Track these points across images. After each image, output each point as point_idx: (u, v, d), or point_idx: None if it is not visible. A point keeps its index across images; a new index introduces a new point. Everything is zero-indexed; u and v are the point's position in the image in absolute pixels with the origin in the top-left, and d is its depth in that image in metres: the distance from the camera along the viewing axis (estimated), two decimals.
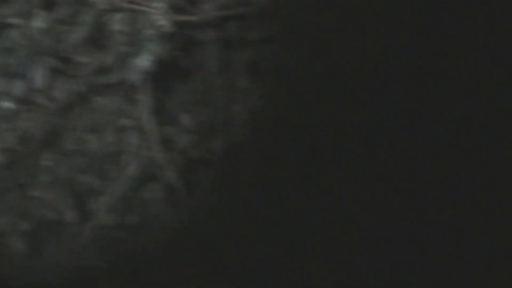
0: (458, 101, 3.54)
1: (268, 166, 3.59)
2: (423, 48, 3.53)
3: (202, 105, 3.55)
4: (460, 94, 3.55)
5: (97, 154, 3.46)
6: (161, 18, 3.11)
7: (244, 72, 3.59)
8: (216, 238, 3.47)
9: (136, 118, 3.46)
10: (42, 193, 3.45)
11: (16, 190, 3.45)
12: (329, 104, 3.60)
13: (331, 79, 3.60)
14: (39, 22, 3.27)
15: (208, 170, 3.54)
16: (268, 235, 3.44)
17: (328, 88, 3.60)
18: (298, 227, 3.46)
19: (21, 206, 3.44)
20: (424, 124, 3.55)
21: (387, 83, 3.56)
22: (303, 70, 3.60)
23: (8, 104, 3.34)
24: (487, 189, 3.53)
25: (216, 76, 3.55)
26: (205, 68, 3.55)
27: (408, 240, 3.49)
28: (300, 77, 3.62)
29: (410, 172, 3.55)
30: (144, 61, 3.13)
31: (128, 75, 3.15)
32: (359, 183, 3.54)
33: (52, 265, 3.49)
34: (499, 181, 3.53)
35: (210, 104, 3.55)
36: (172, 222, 3.46)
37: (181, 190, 3.37)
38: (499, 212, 3.51)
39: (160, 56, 3.15)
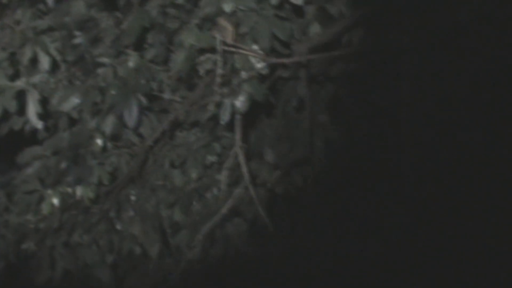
0: None
1: (348, 198, 3.66)
2: None
3: (285, 140, 3.61)
4: None
5: (182, 190, 3.52)
6: (259, 61, 3.16)
7: (326, 107, 3.66)
8: (299, 272, 3.55)
9: (222, 155, 3.52)
10: (128, 227, 3.52)
11: (103, 224, 3.52)
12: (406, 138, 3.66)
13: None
14: (130, 62, 3.31)
15: (291, 205, 3.61)
16: (356, 267, 3.52)
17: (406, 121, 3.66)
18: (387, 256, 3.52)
19: (108, 239, 3.51)
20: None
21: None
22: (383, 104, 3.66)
23: (99, 141, 3.40)
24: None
25: (299, 112, 3.61)
26: (289, 104, 3.61)
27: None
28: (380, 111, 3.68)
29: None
30: (240, 102, 3.19)
31: (222, 114, 3.20)
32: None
33: None
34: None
35: (293, 139, 3.61)
36: (257, 257, 3.54)
37: (267, 225, 3.44)
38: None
39: (254, 97, 3.20)
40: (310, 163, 3.60)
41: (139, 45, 3.34)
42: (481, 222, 3.58)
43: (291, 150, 3.61)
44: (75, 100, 3.35)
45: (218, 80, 3.19)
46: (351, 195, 3.63)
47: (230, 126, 3.40)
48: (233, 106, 3.20)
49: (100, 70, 3.34)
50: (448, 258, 3.59)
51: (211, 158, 3.54)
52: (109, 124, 3.36)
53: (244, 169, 3.35)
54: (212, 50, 3.20)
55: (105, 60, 3.34)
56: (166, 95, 3.42)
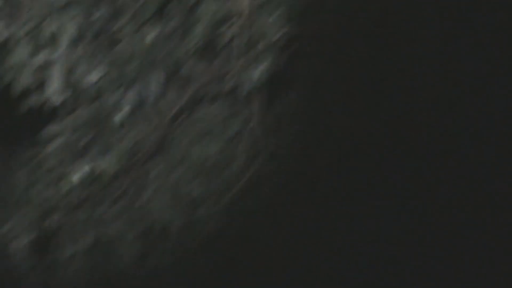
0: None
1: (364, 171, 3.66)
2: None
3: (303, 115, 3.63)
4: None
5: (202, 165, 3.54)
6: (277, 31, 3.18)
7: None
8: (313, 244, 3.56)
9: (241, 129, 3.53)
10: (148, 203, 3.54)
11: (124, 200, 3.53)
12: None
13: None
14: (150, 35, 3.34)
15: (309, 180, 3.62)
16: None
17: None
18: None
19: (129, 215, 3.53)
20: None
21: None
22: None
23: (119, 116, 3.41)
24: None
25: (315, 87, 3.62)
26: (307, 78, 3.62)
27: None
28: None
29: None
30: (259, 72, 3.20)
31: (241, 85, 3.22)
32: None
33: (158, 271, 3.58)
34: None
35: (311, 114, 3.62)
36: (273, 231, 3.55)
37: (284, 199, 3.46)
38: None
39: (273, 68, 3.22)
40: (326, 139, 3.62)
41: (158, 19, 3.36)
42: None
43: (308, 127, 3.63)
44: (95, 76, 3.37)
45: (236, 51, 3.21)
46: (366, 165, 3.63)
47: (249, 100, 3.41)
48: (251, 77, 3.23)
49: (120, 45, 3.36)
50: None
51: (231, 133, 3.55)
52: (129, 99, 3.38)
53: (262, 143, 3.37)
54: (231, 21, 3.22)
55: (125, 34, 3.36)
56: (186, 69, 3.44)
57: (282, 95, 3.68)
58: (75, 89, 3.44)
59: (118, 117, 3.43)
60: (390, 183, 3.68)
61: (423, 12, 3.51)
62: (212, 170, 3.57)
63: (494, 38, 3.53)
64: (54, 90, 3.30)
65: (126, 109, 3.37)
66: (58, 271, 3.59)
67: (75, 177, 3.47)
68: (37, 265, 3.62)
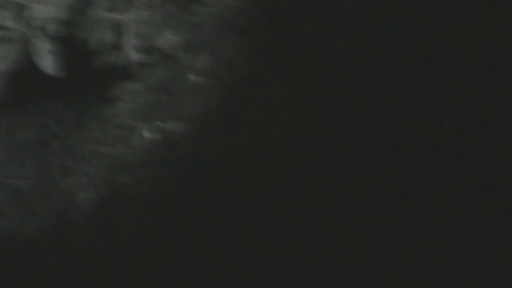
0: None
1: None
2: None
3: None
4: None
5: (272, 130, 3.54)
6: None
7: None
8: None
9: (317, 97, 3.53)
10: (214, 164, 3.57)
11: (190, 160, 3.57)
12: None
13: None
14: None
15: None
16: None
17: None
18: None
19: (192, 175, 3.56)
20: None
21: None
22: None
23: (193, 77, 3.43)
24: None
25: None
26: None
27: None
28: None
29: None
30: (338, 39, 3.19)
31: (316, 53, 3.21)
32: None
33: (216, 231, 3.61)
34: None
35: None
36: None
37: None
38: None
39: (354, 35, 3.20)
40: None
41: None
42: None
43: None
44: (169, 36, 3.39)
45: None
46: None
47: None
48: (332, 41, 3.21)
49: (194, 6, 3.37)
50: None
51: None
52: (202, 60, 3.40)
53: None
54: None
55: None
56: (260, 32, 3.43)
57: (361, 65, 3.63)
58: (148, 48, 3.47)
59: (191, 77, 3.45)
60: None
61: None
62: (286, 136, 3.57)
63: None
64: (129, 46, 3.34)
65: (199, 69, 3.39)
66: (120, 228, 3.66)
67: (146, 134, 3.52)
68: (101, 220, 3.70)
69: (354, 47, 3.33)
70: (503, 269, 3.40)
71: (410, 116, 3.53)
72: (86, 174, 3.53)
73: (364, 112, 3.52)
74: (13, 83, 3.91)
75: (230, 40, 3.29)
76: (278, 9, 3.32)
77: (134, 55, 3.31)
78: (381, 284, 3.41)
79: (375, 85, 3.50)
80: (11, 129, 4.18)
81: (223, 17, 3.32)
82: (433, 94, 3.52)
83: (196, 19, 3.34)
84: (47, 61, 3.04)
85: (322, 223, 3.46)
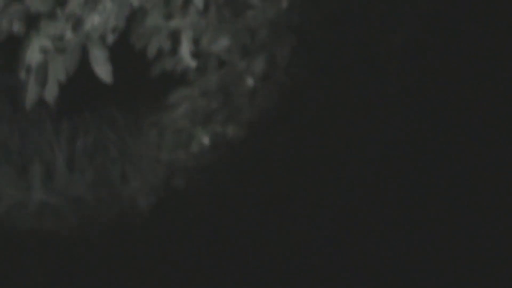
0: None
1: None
2: None
3: None
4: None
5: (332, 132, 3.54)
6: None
7: None
8: None
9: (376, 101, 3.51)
10: (274, 167, 3.58)
11: (250, 163, 3.58)
12: None
13: None
14: (280, 2, 3.34)
15: None
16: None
17: None
18: None
19: (254, 179, 3.57)
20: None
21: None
22: None
23: (250, 81, 3.45)
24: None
25: None
26: None
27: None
28: None
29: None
30: (397, 41, 3.18)
31: (375, 55, 3.20)
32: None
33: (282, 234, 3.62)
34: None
35: None
36: None
37: None
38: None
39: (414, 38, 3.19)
40: None
41: None
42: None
43: None
44: (225, 41, 3.42)
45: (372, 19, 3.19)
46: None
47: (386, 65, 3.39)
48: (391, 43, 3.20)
49: (250, 12, 3.39)
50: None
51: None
52: (259, 64, 3.41)
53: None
54: None
55: (255, 1, 3.38)
56: (319, 35, 3.43)
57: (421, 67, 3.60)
58: (205, 54, 3.50)
59: (248, 81, 3.46)
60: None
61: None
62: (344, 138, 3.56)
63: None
64: (187, 52, 3.37)
65: (256, 74, 3.40)
66: (180, 234, 3.69)
67: (206, 139, 3.54)
68: (161, 225, 3.74)
69: (412, 47, 3.31)
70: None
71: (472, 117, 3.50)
72: (146, 180, 3.56)
73: (422, 113, 3.51)
74: (72, 92, 3.97)
75: (286, 43, 3.30)
76: (334, 9, 3.32)
77: (191, 61, 3.34)
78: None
79: (433, 86, 3.47)
80: (71, 137, 4.24)
81: (278, 20, 3.33)
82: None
83: (251, 23, 3.35)
84: (105, 69, 3.09)
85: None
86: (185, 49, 3.32)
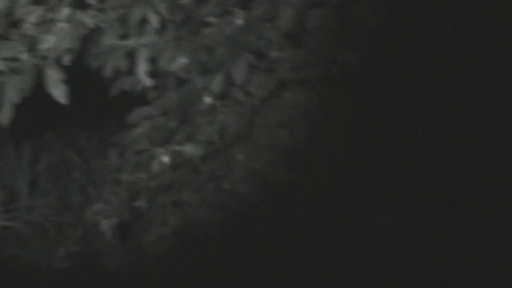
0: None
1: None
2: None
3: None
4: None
5: (290, 150, 3.53)
6: (369, 12, 3.13)
7: None
8: None
9: (327, 114, 3.51)
10: (236, 186, 3.56)
11: (212, 183, 3.57)
12: None
13: None
14: (238, 19, 3.34)
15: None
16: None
17: None
18: None
19: (217, 198, 3.56)
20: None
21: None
22: None
23: (208, 99, 3.44)
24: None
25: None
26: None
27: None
28: None
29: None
30: (351, 55, 3.17)
31: (329, 70, 3.19)
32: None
33: (241, 253, 3.62)
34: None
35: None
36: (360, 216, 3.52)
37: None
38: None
39: (368, 52, 3.18)
40: None
41: (246, 3, 3.36)
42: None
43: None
44: (183, 60, 3.41)
45: (329, 33, 3.18)
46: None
47: (340, 85, 3.39)
48: (344, 60, 3.20)
49: (207, 30, 3.38)
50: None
51: (320, 118, 3.53)
52: (217, 82, 3.40)
53: (354, 129, 3.34)
54: (321, 4, 3.19)
55: (212, 19, 3.38)
56: (274, 53, 3.43)
57: (376, 81, 3.63)
58: (163, 73, 3.49)
59: (207, 100, 3.45)
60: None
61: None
62: (300, 155, 3.56)
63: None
64: (143, 72, 3.35)
65: (214, 92, 3.39)
66: (145, 253, 3.67)
67: (166, 159, 3.52)
68: (124, 246, 3.71)
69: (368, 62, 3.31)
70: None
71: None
72: (109, 202, 3.54)
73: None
74: (34, 113, 3.93)
75: (244, 61, 3.29)
76: (292, 27, 3.32)
77: (148, 81, 3.32)
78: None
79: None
80: (33, 160, 4.21)
81: (236, 38, 3.32)
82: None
83: (209, 41, 3.35)
84: (60, 90, 3.06)
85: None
86: (142, 68, 3.31)
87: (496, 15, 3.44)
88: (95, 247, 3.78)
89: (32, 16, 3.23)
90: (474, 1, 3.43)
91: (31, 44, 3.20)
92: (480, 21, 3.45)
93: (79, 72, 3.36)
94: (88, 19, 3.17)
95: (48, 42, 3.22)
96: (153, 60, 3.40)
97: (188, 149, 3.49)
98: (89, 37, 3.31)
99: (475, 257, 3.41)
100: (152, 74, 3.39)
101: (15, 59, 3.17)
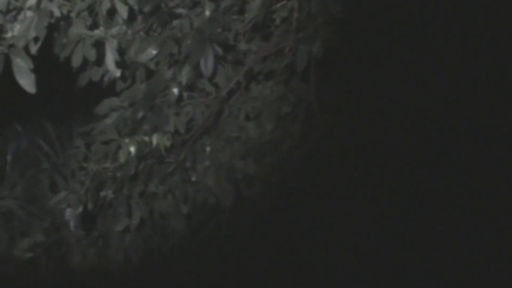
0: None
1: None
2: None
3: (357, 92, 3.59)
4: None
5: (256, 141, 3.55)
6: (334, 4, 3.16)
7: None
8: None
9: (296, 106, 3.54)
10: (202, 177, 3.58)
11: (179, 174, 3.58)
12: None
13: None
14: (206, 11, 3.36)
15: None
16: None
17: None
18: None
19: (183, 189, 3.58)
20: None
21: None
22: None
23: (175, 90, 3.45)
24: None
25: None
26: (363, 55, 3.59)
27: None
28: None
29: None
30: (316, 48, 3.19)
31: (299, 61, 3.21)
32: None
33: (209, 246, 3.64)
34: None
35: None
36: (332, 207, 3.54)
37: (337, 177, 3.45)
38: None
39: (330, 43, 3.21)
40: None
41: None
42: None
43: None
44: (151, 51, 3.42)
45: (294, 25, 3.21)
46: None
47: (305, 76, 3.41)
48: (309, 51, 3.22)
49: (176, 21, 3.40)
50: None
51: (286, 110, 3.56)
52: (185, 74, 3.42)
53: (317, 120, 3.37)
54: None
55: (181, 10, 3.40)
56: (242, 45, 3.45)
57: (338, 71, 3.66)
58: (132, 64, 3.50)
59: (174, 91, 3.47)
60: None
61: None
62: (267, 147, 3.58)
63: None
64: (112, 62, 3.35)
65: (182, 83, 3.41)
66: (110, 244, 3.68)
67: (132, 149, 3.52)
68: (89, 235, 3.71)
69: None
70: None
71: None
72: (74, 191, 3.54)
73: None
74: (1, 104, 3.92)
75: (212, 52, 3.31)
76: (261, 21, 3.35)
77: (117, 71, 3.33)
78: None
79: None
80: (1, 149, 4.19)
81: (204, 30, 3.34)
82: None
83: (178, 33, 3.36)
84: (28, 79, 3.06)
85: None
86: (110, 59, 3.31)
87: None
88: (59, 237, 3.79)
89: None
90: None
91: None
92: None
93: (47, 62, 3.36)
94: (55, 8, 3.17)
95: (14, 30, 3.22)
96: (121, 51, 3.41)
97: (155, 139, 3.50)
98: (57, 27, 3.32)
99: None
100: (121, 64, 3.39)
101: None
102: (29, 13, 3.19)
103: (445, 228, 3.52)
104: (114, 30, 3.39)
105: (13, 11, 3.21)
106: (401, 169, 3.56)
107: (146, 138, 3.50)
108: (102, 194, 3.58)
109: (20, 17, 3.19)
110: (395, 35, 3.54)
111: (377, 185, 3.47)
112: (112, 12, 3.34)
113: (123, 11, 3.33)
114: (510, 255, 3.46)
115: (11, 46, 3.17)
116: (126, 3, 3.32)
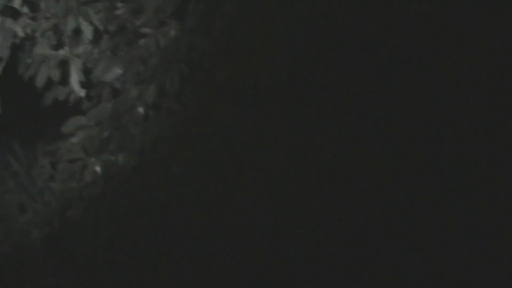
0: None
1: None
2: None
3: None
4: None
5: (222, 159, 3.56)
6: (298, 27, 3.19)
7: None
8: None
9: (264, 127, 3.55)
10: (169, 196, 3.59)
11: (145, 193, 3.58)
12: None
13: None
14: (171, 31, 3.38)
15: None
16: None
17: None
18: None
19: (149, 207, 3.57)
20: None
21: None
22: None
23: (141, 110, 3.47)
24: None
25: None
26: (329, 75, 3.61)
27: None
28: None
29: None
30: (280, 68, 3.23)
31: (261, 82, 3.24)
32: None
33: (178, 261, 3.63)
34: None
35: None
36: None
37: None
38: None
39: (296, 64, 3.23)
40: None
41: (180, 15, 3.40)
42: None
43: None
44: (117, 70, 3.44)
45: (255, 46, 3.23)
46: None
47: (271, 96, 3.44)
48: (275, 70, 3.25)
49: (142, 40, 3.42)
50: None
51: (253, 129, 3.57)
52: (151, 93, 3.44)
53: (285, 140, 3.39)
54: (251, 17, 3.24)
55: (147, 30, 3.43)
56: (207, 64, 3.47)
57: (304, 92, 3.68)
58: (98, 83, 3.51)
59: (140, 110, 3.48)
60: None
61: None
62: (235, 165, 3.59)
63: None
64: (76, 82, 3.37)
65: (148, 102, 3.42)
66: (77, 264, 3.66)
67: (98, 168, 3.53)
68: (56, 256, 3.70)
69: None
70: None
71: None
72: (40, 211, 3.54)
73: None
74: None
75: (178, 72, 3.33)
76: (225, 41, 3.37)
77: (82, 91, 3.34)
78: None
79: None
80: None
81: (170, 50, 3.36)
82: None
83: (143, 52, 3.38)
84: None
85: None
86: (75, 78, 3.33)
87: None
88: (25, 258, 3.77)
89: None
90: None
91: None
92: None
93: (12, 82, 3.36)
94: (19, 28, 3.19)
95: None
96: (87, 70, 3.42)
97: (121, 158, 3.50)
98: (22, 46, 3.33)
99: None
100: (87, 84, 3.41)
101: None
102: None
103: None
104: (79, 49, 3.41)
105: None
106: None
107: (113, 158, 3.51)
108: (68, 213, 3.58)
109: None
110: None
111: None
112: (77, 31, 3.37)
113: (88, 31, 3.36)
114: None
115: None
116: (91, 23, 3.35)
